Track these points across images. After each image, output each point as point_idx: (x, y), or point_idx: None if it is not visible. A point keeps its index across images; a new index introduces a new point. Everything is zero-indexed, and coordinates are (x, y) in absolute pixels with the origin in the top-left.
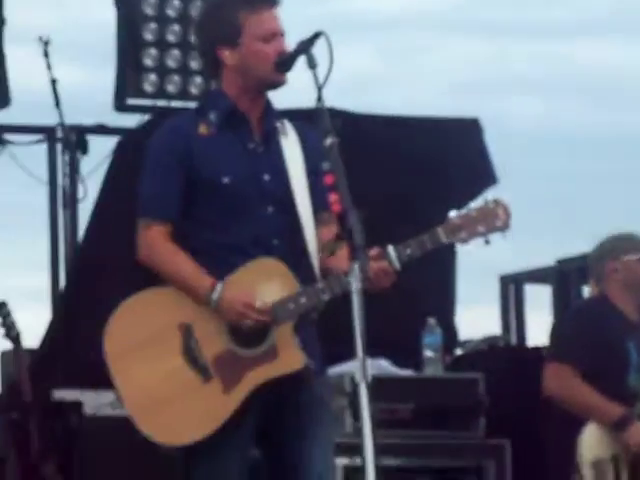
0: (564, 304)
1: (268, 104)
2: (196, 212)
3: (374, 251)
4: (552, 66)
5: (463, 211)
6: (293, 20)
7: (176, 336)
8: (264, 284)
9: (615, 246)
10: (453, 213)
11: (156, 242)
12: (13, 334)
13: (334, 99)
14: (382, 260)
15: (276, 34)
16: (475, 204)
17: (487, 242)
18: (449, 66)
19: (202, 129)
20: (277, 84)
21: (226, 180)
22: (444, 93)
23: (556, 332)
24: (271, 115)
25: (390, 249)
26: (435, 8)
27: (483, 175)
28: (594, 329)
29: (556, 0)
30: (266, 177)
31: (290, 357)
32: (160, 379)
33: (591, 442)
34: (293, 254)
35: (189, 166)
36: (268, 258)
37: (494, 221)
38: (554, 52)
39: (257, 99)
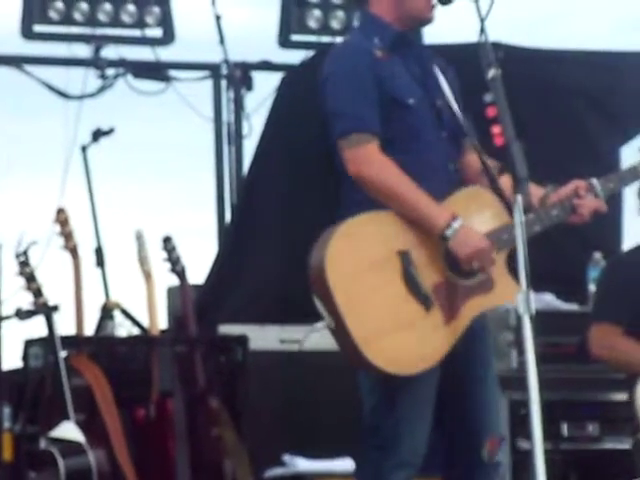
0: None
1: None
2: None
3: (580, 183)
4: None
5: None
6: None
7: (395, 263)
8: (476, 214)
9: None
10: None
11: (383, 160)
12: (178, 269)
13: (509, 36)
14: (589, 193)
15: None
16: None
17: None
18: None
19: (378, 53)
20: (426, 21)
21: (411, 101)
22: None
23: (596, 291)
24: (419, 45)
25: (595, 182)
26: None
27: None
28: (631, 281)
29: None
30: (439, 102)
31: (506, 289)
32: (384, 307)
33: None
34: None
35: (379, 86)
36: (476, 187)
37: None
38: None
39: (406, 29)
